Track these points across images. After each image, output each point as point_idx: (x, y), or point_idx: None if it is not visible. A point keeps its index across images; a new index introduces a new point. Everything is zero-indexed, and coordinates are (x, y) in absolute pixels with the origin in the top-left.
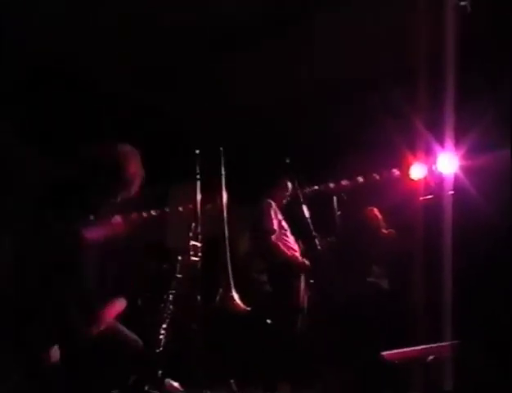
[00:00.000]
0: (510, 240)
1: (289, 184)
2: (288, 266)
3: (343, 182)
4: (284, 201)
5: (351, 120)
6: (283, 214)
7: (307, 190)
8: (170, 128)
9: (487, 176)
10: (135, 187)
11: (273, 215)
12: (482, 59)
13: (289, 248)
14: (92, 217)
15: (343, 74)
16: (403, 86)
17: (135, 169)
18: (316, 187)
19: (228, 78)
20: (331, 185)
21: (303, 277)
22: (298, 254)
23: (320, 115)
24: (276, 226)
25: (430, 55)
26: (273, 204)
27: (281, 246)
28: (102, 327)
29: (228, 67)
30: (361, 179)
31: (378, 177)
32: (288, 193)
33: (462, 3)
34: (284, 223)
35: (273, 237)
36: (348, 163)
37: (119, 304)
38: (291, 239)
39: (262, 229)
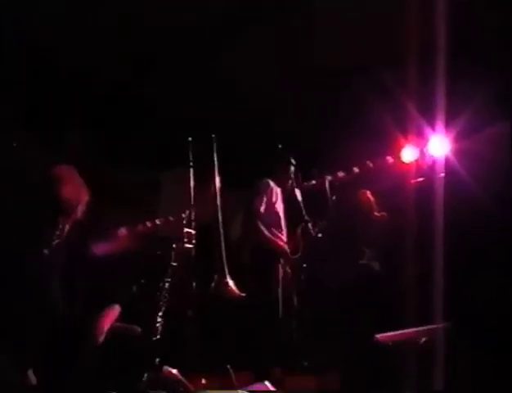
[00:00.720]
0: (502, 223)
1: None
2: (266, 249)
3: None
4: (288, 185)
5: (341, 105)
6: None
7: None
8: (163, 115)
9: (477, 158)
10: (77, 211)
11: (267, 197)
12: (473, 42)
13: (274, 233)
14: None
15: (334, 61)
16: (394, 70)
17: (70, 191)
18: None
19: (220, 66)
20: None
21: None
22: (282, 238)
23: (309, 102)
24: (263, 208)
25: (421, 39)
26: (272, 185)
27: (262, 228)
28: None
29: (220, 55)
30: (354, 166)
31: (370, 162)
32: (290, 177)
33: None
34: (278, 205)
35: (259, 218)
36: (339, 148)
37: (114, 312)
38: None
39: (249, 209)
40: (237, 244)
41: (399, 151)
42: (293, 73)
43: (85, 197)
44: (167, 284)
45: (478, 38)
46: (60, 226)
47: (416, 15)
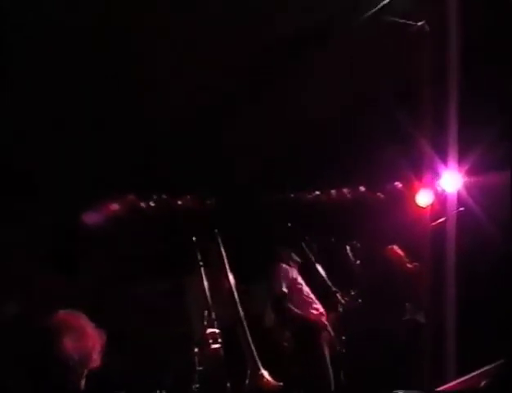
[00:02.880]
0: None
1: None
2: (305, 327)
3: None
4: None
5: (354, 147)
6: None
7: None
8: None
9: (491, 192)
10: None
11: (285, 277)
12: (484, 78)
13: (308, 304)
14: None
15: (346, 99)
16: (405, 107)
17: (74, 345)
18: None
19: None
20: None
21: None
22: (319, 309)
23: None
24: (286, 287)
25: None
26: (283, 265)
27: (294, 309)
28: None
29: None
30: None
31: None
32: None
33: (419, 24)
34: (300, 280)
35: (287, 300)
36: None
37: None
38: (310, 294)
39: (274, 295)
40: (269, 334)
41: (414, 195)
42: (308, 114)
43: (96, 343)
44: (195, 389)
45: (490, 73)
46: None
47: (429, 52)
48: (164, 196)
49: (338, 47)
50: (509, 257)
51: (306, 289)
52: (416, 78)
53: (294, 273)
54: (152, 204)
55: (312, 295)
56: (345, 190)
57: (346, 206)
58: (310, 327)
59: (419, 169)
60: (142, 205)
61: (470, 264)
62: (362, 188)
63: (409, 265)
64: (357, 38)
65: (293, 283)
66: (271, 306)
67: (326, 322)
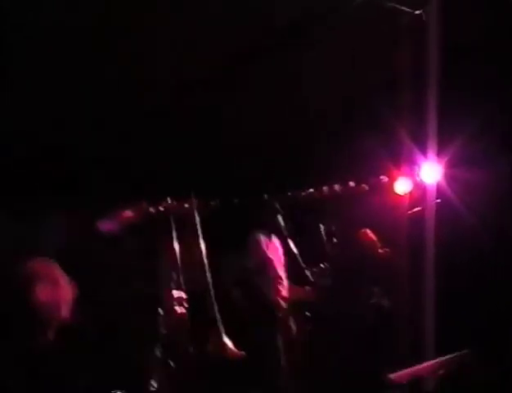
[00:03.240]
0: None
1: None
2: (264, 306)
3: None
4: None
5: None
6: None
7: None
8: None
9: (471, 185)
10: (59, 315)
11: (259, 250)
12: (466, 70)
13: (275, 282)
14: None
15: (326, 90)
16: (385, 97)
17: (46, 294)
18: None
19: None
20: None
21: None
22: (283, 291)
23: (301, 134)
24: (257, 261)
25: (413, 65)
26: (262, 237)
27: (259, 286)
28: None
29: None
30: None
31: (363, 190)
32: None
33: (417, 12)
34: (271, 256)
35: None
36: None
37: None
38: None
39: (242, 267)
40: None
41: (392, 182)
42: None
43: (68, 296)
44: (158, 352)
45: (470, 64)
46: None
47: (408, 42)
48: None
49: (324, 34)
50: (488, 249)
51: (277, 265)
52: (399, 68)
53: (269, 248)
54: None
55: (282, 274)
56: (324, 175)
57: (324, 191)
58: (268, 308)
59: (399, 159)
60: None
61: (447, 255)
62: (341, 175)
63: (380, 250)
64: (344, 25)
65: (264, 258)
66: (238, 279)
67: (286, 306)
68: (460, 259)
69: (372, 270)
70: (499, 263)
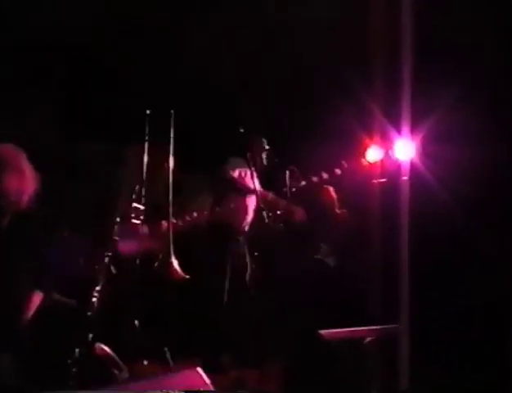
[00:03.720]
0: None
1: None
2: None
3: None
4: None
5: (304, 104)
6: None
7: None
8: (122, 87)
9: (443, 163)
10: (19, 202)
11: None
12: (441, 46)
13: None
14: None
15: (299, 59)
16: (361, 71)
17: (11, 180)
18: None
19: (183, 40)
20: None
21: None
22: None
23: (275, 98)
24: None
25: (388, 40)
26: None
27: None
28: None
29: (183, 28)
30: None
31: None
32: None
33: None
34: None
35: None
36: (302, 147)
37: (36, 298)
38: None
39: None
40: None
41: (364, 151)
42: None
43: (31, 186)
44: (107, 258)
45: (445, 40)
46: None
47: (383, 14)
48: None
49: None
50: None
51: (245, 197)
52: (373, 43)
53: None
54: None
55: (248, 205)
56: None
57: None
58: (224, 233)
59: (373, 130)
60: None
61: (415, 226)
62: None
63: (337, 210)
64: None
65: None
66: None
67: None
68: (431, 232)
69: (324, 226)
70: (468, 238)
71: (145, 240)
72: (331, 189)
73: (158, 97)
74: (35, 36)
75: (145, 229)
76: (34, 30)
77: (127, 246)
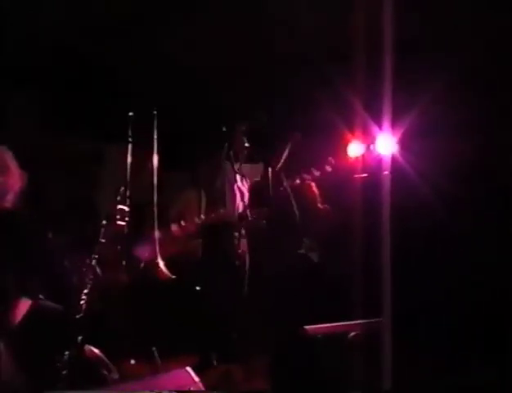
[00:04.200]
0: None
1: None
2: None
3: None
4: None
5: (287, 97)
6: None
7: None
8: (105, 87)
9: (425, 158)
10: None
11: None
12: (422, 41)
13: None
14: None
15: (280, 51)
16: (341, 64)
17: None
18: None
19: (166, 38)
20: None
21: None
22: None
23: (256, 90)
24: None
25: (369, 35)
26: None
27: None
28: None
29: (167, 28)
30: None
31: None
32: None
33: None
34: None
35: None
36: (283, 141)
37: (23, 305)
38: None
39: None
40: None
41: (345, 145)
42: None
43: (17, 184)
44: (94, 261)
45: (426, 35)
46: None
47: (364, 11)
48: None
49: None
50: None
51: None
52: (354, 37)
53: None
54: None
55: (239, 206)
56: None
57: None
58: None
59: (354, 125)
60: None
61: (396, 221)
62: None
63: (320, 205)
64: None
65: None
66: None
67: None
68: (408, 227)
69: (306, 221)
70: (450, 232)
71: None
72: (313, 185)
73: (140, 97)
74: (19, 36)
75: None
76: (18, 30)
77: (144, 251)
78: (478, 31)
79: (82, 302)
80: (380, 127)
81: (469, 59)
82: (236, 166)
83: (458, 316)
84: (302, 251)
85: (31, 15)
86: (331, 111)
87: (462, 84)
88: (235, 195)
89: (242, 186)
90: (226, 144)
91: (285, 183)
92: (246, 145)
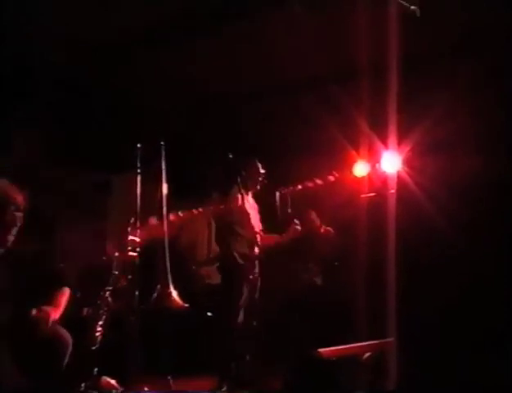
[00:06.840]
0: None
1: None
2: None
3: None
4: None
5: (293, 119)
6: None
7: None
8: (114, 119)
9: (429, 176)
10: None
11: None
12: (428, 60)
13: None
14: None
15: (287, 74)
16: (347, 85)
17: None
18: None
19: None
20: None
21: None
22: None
23: (264, 114)
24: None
25: (375, 54)
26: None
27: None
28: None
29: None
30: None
31: (322, 176)
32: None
33: (412, 8)
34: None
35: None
36: (290, 162)
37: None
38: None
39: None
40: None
41: (351, 165)
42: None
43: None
44: (108, 292)
45: (431, 54)
46: None
47: (370, 29)
48: None
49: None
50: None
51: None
52: (360, 57)
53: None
54: None
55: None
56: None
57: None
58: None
59: (360, 145)
60: None
61: (401, 240)
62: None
63: (322, 230)
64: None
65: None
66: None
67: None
68: (416, 246)
69: (311, 248)
70: (456, 250)
71: None
72: (314, 214)
73: (148, 127)
74: (26, 61)
75: None
76: (24, 55)
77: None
78: (484, 48)
79: (97, 333)
80: (386, 145)
81: (476, 77)
82: (250, 193)
83: (463, 333)
84: (307, 276)
85: (40, 48)
86: (337, 131)
87: (468, 103)
88: (249, 220)
89: (253, 212)
90: (243, 172)
91: (289, 210)
92: (262, 171)
